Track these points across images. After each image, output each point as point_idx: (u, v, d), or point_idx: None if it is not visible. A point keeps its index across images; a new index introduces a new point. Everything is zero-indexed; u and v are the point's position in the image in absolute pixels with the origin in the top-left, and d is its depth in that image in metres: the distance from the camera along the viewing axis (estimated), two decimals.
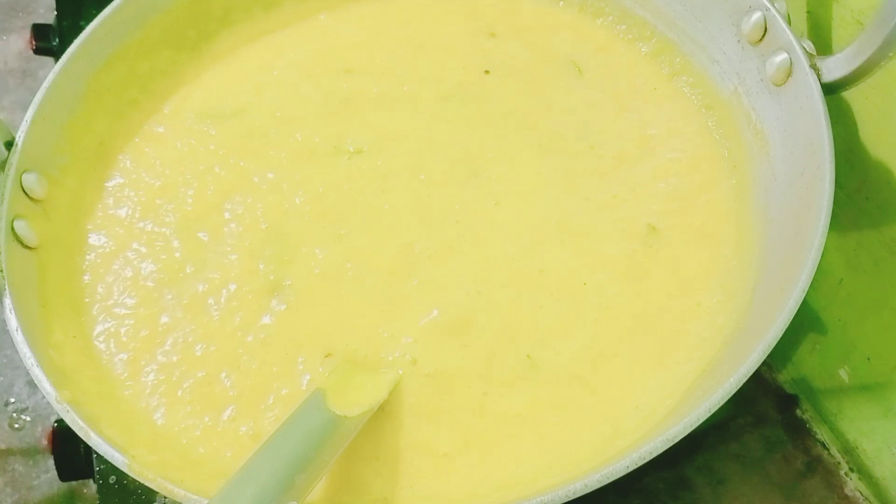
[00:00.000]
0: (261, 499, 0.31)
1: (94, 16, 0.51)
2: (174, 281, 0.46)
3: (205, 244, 0.47)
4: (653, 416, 0.39)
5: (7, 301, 0.40)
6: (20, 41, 1.39)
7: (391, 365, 0.41)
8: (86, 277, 0.46)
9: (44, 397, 0.38)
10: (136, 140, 0.52)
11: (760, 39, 0.44)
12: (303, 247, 0.46)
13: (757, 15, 0.44)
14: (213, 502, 0.31)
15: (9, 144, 0.45)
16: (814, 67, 0.41)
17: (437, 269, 0.44)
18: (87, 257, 0.47)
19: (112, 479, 0.49)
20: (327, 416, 0.36)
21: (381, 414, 0.40)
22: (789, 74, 0.42)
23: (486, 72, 0.53)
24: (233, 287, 0.45)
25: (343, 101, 0.52)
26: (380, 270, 0.45)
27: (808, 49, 0.41)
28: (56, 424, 0.52)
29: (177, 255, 0.47)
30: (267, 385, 0.41)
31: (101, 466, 0.49)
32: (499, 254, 0.45)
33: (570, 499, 0.32)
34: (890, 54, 0.37)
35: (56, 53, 0.70)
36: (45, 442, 0.98)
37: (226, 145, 0.51)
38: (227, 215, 0.48)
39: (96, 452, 0.36)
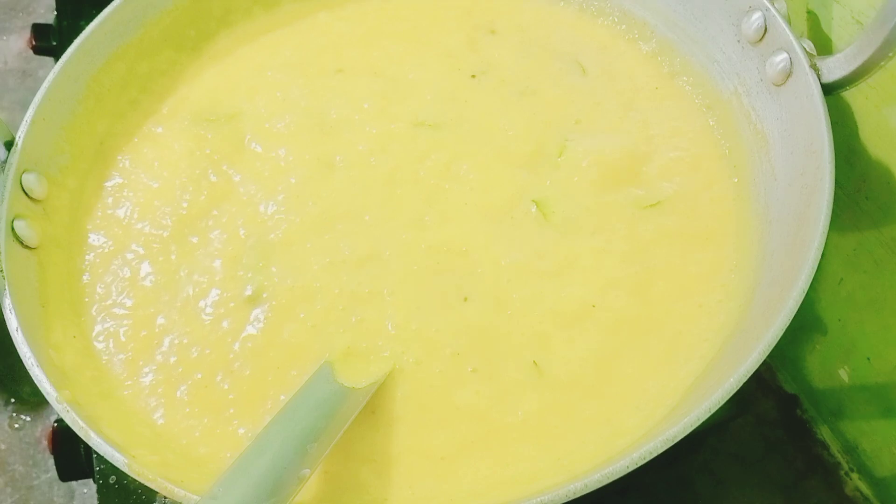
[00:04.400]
0: (276, 466, 0.32)
1: (94, 16, 0.51)
2: (170, 283, 0.46)
3: (195, 248, 0.47)
4: (653, 416, 0.39)
5: (7, 301, 0.40)
6: (20, 41, 1.39)
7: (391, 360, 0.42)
8: (85, 277, 0.46)
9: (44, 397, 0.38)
10: (136, 140, 0.52)
11: (760, 39, 0.44)
12: (288, 255, 0.46)
13: (757, 15, 0.44)
14: (230, 470, 0.32)
15: (9, 144, 0.45)
16: (814, 67, 0.41)
17: (434, 275, 0.44)
18: (87, 257, 0.47)
19: (112, 479, 0.49)
20: (336, 388, 0.38)
21: (381, 416, 0.40)
22: (789, 74, 0.42)
23: (473, 76, 0.53)
24: (216, 292, 0.45)
25: (330, 116, 0.52)
26: (369, 272, 0.45)
27: (807, 49, 0.41)
28: (56, 424, 0.52)
29: (172, 257, 0.47)
30: (264, 390, 0.41)
31: (101, 466, 0.49)
32: (502, 261, 0.44)
33: (570, 499, 0.32)
34: (890, 54, 0.37)
35: (56, 53, 0.70)
36: (45, 442, 0.98)
37: (220, 151, 0.51)
38: (214, 222, 0.48)
39: (96, 452, 0.36)
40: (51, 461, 0.52)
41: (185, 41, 0.56)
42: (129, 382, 0.42)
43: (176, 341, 0.43)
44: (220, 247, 0.47)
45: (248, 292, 0.44)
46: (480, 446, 0.39)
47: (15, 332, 0.39)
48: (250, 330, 0.43)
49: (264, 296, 0.44)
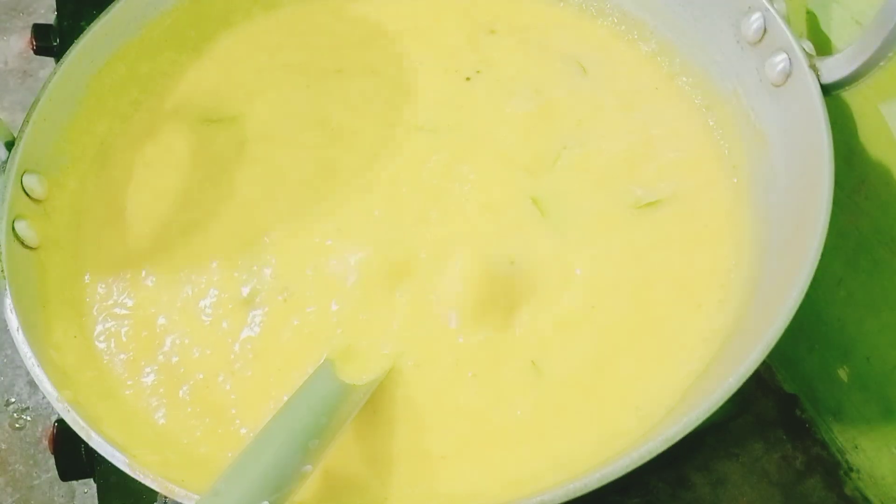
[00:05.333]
0: (278, 462, 0.32)
1: (95, 16, 0.51)
2: (170, 283, 0.46)
3: (195, 248, 0.47)
4: (652, 416, 0.39)
5: (8, 301, 0.41)
6: (21, 41, 1.39)
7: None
8: (86, 277, 0.46)
9: (44, 397, 0.38)
10: (137, 141, 0.52)
11: (760, 40, 0.44)
12: (287, 255, 0.46)
13: (756, 16, 0.44)
14: (232, 466, 0.32)
15: (9, 145, 0.45)
16: (813, 68, 0.41)
17: (429, 279, 0.44)
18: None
19: (113, 478, 0.49)
20: (337, 385, 0.38)
21: (381, 416, 0.40)
22: (788, 75, 0.42)
23: (472, 77, 0.52)
24: (215, 293, 0.45)
25: (331, 118, 0.51)
26: (370, 271, 0.45)
27: (807, 49, 0.42)
28: (57, 424, 0.52)
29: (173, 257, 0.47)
30: (266, 390, 0.41)
31: (102, 466, 0.49)
32: (503, 263, 0.44)
33: (569, 498, 0.32)
34: (890, 54, 0.37)
35: (57, 54, 0.70)
36: (45, 442, 0.98)
37: (220, 152, 0.51)
38: (213, 222, 0.48)
39: (97, 452, 0.36)
40: (51, 461, 0.52)
41: (185, 42, 0.56)
42: (131, 382, 0.43)
43: (177, 341, 0.44)
44: (218, 248, 0.47)
45: (245, 294, 0.45)
46: (480, 446, 0.39)
47: (16, 333, 0.39)
48: (249, 331, 0.43)
49: (258, 299, 0.44)
